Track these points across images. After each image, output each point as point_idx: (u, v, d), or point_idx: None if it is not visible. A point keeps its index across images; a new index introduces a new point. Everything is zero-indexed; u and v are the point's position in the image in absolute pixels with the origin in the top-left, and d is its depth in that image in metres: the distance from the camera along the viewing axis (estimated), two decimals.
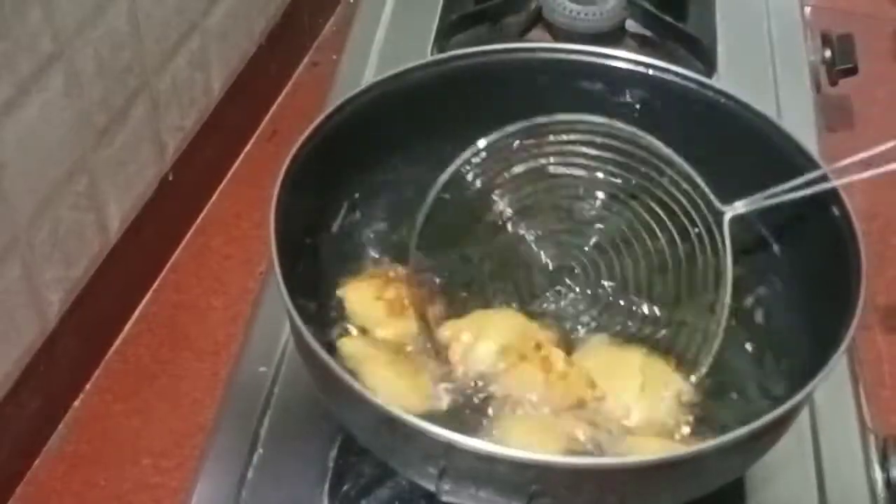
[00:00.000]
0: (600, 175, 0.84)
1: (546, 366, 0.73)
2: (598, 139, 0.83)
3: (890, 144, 0.74)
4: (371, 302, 0.77)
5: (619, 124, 0.83)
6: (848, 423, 0.85)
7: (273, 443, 0.82)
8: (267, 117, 1.59)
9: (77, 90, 1.10)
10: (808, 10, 1.28)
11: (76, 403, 1.23)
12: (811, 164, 0.77)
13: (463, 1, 1.22)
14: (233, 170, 1.51)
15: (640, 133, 0.82)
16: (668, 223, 0.81)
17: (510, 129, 0.83)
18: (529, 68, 0.86)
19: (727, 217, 0.79)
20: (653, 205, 0.82)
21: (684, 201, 0.80)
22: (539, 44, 0.92)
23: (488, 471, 0.62)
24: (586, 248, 0.83)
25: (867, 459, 0.83)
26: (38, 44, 1.02)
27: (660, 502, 0.67)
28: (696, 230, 0.79)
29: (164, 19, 1.24)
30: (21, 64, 1.01)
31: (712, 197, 0.79)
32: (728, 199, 0.79)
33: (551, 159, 0.84)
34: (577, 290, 0.81)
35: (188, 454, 1.12)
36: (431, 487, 0.66)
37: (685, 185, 0.80)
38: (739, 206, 0.79)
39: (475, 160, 0.83)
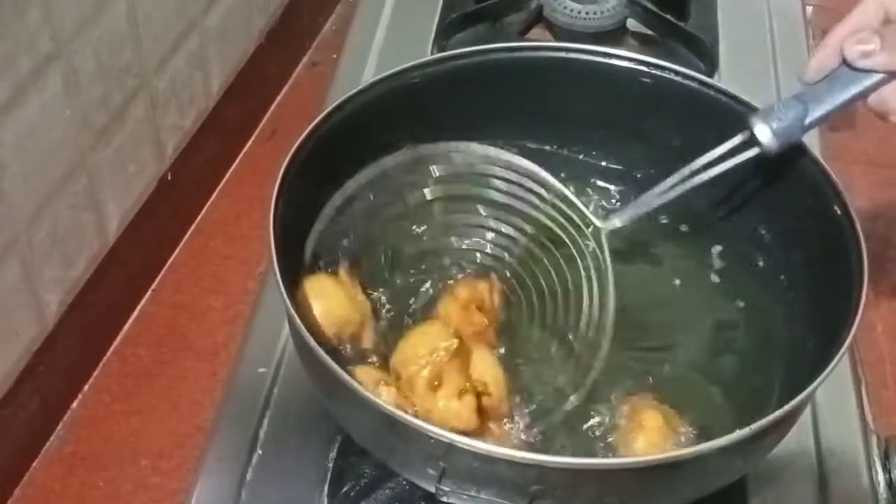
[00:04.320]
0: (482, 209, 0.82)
1: None
2: (480, 167, 0.82)
3: None
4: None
5: (493, 151, 0.82)
6: (850, 424, 0.84)
7: (272, 444, 0.82)
8: (266, 117, 1.58)
9: (76, 90, 1.09)
10: (809, 9, 1.28)
11: (75, 404, 1.22)
12: (813, 164, 0.76)
13: (463, 0, 1.22)
14: (232, 169, 1.50)
15: (517, 160, 0.81)
16: (554, 249, 0.79)
17: (389, 162, 0.82)
18: (530, 68, 0.85)
19: (604, 233, 0.77)
20: (539, 233, 0.80)
21: (566, 223, 0.79)
22: (540, 43, 0.92)
23: (489, 471, 0.62)
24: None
25: (869, 460, 0.82)
26: (36, 43, 1.02)
27: (661, 503, 0.67)
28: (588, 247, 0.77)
29: (163, 19, 1.24)
30: (19, 64, 1.00)
31: (589, 214, 0.78)
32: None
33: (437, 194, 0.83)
34: None
35: (188, 455, 1.11)
36: (431, 489, 0.66)
37: (564, 206, 0.79)
38: (616, 221, 0.77)
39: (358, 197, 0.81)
